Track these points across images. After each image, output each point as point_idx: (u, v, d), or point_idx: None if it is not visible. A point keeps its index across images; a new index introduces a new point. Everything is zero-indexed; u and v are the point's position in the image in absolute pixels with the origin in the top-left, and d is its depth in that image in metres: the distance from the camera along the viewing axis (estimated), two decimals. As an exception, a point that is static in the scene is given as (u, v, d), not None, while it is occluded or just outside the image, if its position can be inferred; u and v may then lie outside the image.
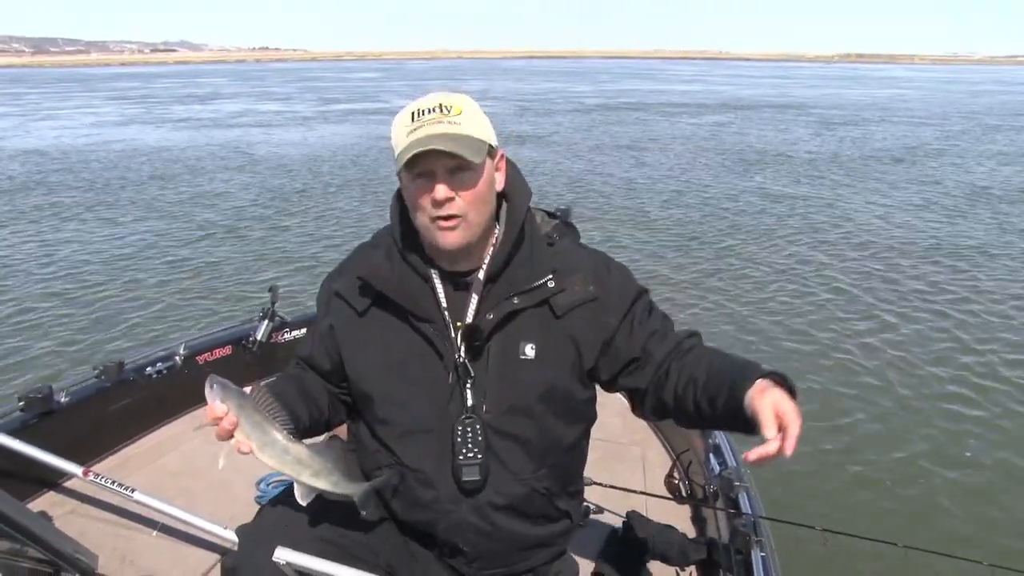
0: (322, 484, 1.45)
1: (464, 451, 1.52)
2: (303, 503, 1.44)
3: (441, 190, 1.42)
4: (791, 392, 1.33)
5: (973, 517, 3.92)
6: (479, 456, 1.52)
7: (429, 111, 1.45)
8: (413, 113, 1.46)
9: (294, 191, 12.94)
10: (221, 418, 1.35)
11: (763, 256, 8.89)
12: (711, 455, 2.74)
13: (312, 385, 1.66)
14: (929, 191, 13.05)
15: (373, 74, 79.74)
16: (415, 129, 1.44)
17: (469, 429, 1.52)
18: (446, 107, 1.45)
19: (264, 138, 21.10)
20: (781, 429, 1.25)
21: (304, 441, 1.44)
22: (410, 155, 1.40)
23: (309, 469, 1.42)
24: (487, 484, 1.54)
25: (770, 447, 1.24)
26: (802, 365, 5.79)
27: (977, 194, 12.80)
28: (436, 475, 1.55)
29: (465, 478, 1.52)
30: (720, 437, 2.76)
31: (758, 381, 1.34)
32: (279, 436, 1.40)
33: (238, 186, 13.38)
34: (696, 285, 7.78)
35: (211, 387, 1.39)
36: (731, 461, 2.64)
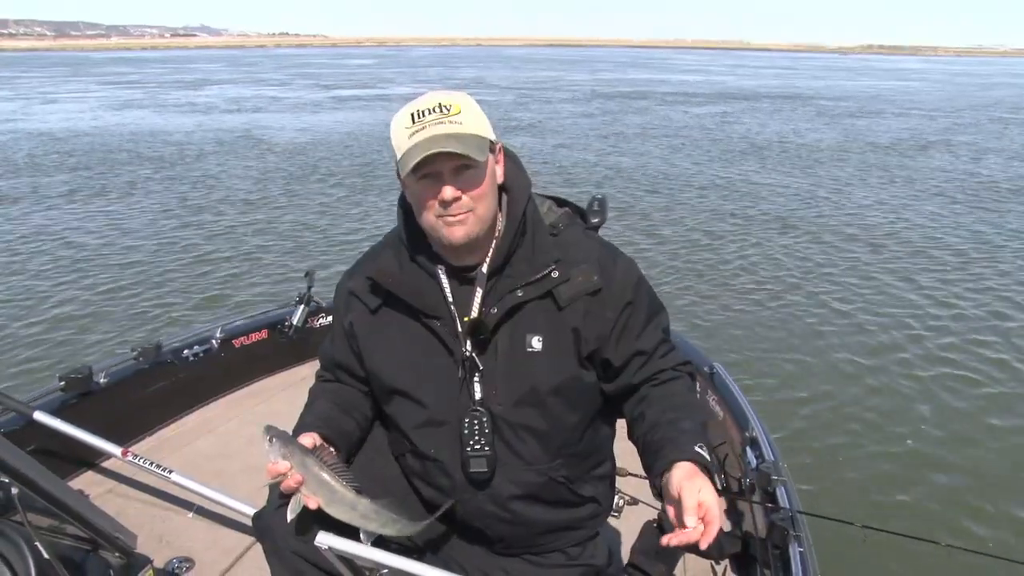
0: (388, 532, 1.49)
1: (472, 443, 1.53)
2: (367, 544, 1.48)
3: (449, 191, 1.42)
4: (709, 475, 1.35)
5: (1022, 518, 3.82)
6: (486, 448, 1.53)
7: (429, 111, 1.43)
8: (413, 115, 1.44)
9: (328, 177, 13.01)
10: (284, 473, 1.40)
11: (784, 247, 8.78)
12: (748, 448, 2.69)
13: (349, 395, 1.70)
14: (947, 183, 12.83)
15: (370, 60, 79.29)
16: (417, 131, 1.42)
17: (476, 422, 1.53)
18: (445, 106, 1.44)
19: (290, 124, 21.21)
20: (702, 520, 1.25)
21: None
22: (418, 159, 1.39)
23: (375, 522, 1.46)
24: (499, 475, 1.56)
25: (692, 535, 1.25)
26: (838, 361, 5.70)
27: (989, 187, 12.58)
28: (451, 465, 1.57)
29: (472, 469, 1.54)
30: (758, 430, 2.72)
31: (681, 463, 1.34)
32: (345, 493, 1.43)
33: (271, 172, 13.46)
34: (708, 278, 7.70)
35: (270, 441, 1.41)
36: (768, 455, 2.59)
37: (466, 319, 1.53)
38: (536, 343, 1.52)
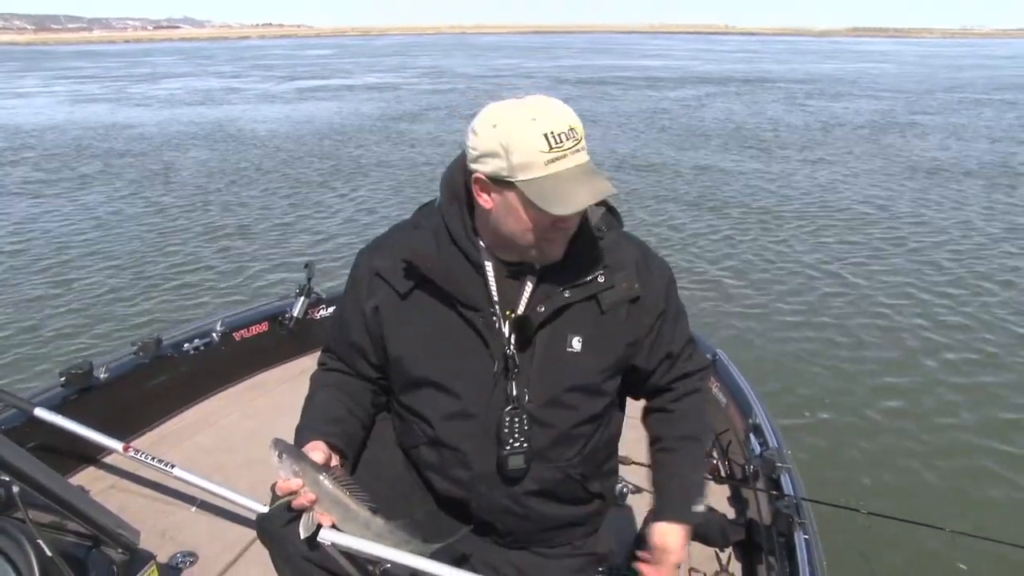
0: (400, 551, 1.47)
1: (511, 441, 1.52)
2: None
3: (574, 222, 1.45)
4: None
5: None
6: (525, 445, 1.52)
7: (564, 137, 1.33)
8: (547, 136, 1.32)
9: (323, 166, 12.97)
10: (295, 491, 1.38)
11: (784, 231, 8.75)
12: (751, 435, 2.68)
13: (354, 387, 1.66)
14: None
15: (329, 50, 78.00)
16: (556, 159, 1.33)
17: (516, 420, 1.51)
18: (575, 130, 1.35)
19: (270, 116, 20.94)
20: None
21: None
22: (576, 208, 1.35)
23: (388, 541, 1.43)
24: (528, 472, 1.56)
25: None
26: (841, 346, 5.69)
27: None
28: (475, 457, 1.55)
29: (511, 467, 1.53)
30: (761, 416, 2.71)
31: (666, 523, 1.56)
32: (360, 511, 1.41)
33: (257, 165, 13.31)
34: (708, 262, 7.68)
35: (280, 457, 1.38)
36: (772, 441, 2.59)
37: (509, 313, 1.50)
38: (576, 343, 1.52)
